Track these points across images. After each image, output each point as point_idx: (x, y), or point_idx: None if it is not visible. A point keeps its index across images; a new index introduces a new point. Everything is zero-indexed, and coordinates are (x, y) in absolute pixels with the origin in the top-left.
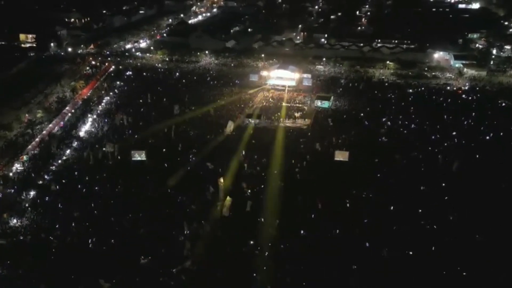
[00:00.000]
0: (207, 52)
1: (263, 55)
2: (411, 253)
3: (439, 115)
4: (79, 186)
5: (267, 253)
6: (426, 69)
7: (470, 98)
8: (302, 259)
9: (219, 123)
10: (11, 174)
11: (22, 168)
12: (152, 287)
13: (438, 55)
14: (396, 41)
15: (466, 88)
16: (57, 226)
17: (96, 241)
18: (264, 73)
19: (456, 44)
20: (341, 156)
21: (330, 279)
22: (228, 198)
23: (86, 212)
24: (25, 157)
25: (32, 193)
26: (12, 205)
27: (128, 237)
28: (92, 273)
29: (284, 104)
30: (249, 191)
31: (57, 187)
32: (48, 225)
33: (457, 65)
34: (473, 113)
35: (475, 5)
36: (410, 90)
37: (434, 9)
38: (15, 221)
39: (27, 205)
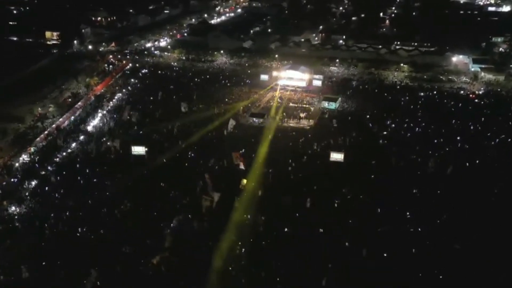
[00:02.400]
0: (222, 51)
1: (276, 56)
2: (385, 254)
3: (447, 119)
4: (78, 177)
5: (243, 249)
6: (442, 72)
7: (482, 102)
8: (280, 255)
9: (223, 122)
10: (17, 164)
11: (29, 159)
12: (131, 276)
13: (456, 58)
14: (415, 44)
15: (480, 92)
16: (52, 215)
17: (86, 230)
18: (274, 73)
19: (478, 48)
20: (336, 156)
21: (304, 276)
22: (215, 193)
23: (81, 203)
24: (32, 149)
25: (33, 183)
26: (13, 193)
27: (117, 228)
28: (77, 260)
29: (291, 104)
30: (239, 187)
31: (58, 178)
32: (43, 213)
33: (473, 69)
34: (483, 118)
35: (506, 8)
36: (422, 94)
37: (462, 12)
38: (13, 208)
39: (27, 194)
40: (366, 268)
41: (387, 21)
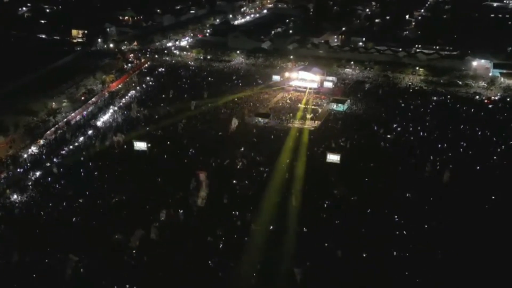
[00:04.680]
0: (238, 52)
1: (291, 57)
2: (364, 255)
3: (455, 124)
4: (80, 170)
5: (221, 244)
6: (459, 77)
7: (496, 108)
8: (260, 251)
9: (229, 120)
10: (25, 155)
11: (37, 151)
12: (114, 265)
13: (477, 63)
14: (437, 47)
15: (497, 98)
16: (50, 204)
17: (80, 219)
18: (287, 74)
19: (504, 52)
20: (332, 158)
21: (280, 272)
22: (204, 189)
23: (79, 194)
24: (41, 141)
25: (37, 173)
26: (17, 183)
27: (109, 218)
28: (67, 247)
29: (300, 105)
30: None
31: (61, 169)
32: (42, 202)
33: (490, 74)
34: (493, 124)
35: None
36: (435, 98)
37: (492, 15)
38: (15, 196)
39: (30, 183)
40: (342, 268)
41: (413, 24)
